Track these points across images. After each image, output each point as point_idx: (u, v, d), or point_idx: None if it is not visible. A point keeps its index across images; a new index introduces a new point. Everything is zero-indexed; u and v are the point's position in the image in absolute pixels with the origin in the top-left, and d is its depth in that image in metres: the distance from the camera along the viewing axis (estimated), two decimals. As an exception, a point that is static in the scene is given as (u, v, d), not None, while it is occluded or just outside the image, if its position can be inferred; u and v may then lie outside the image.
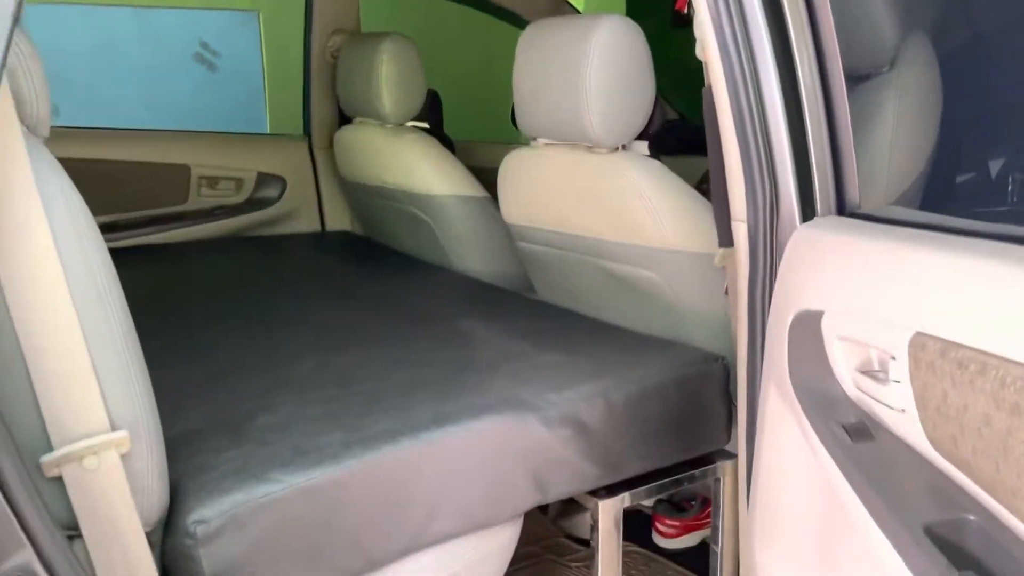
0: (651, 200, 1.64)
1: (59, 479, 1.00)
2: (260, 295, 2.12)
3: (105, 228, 2.56)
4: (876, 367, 1.02)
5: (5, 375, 0.96)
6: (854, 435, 1.03)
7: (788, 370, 1.22)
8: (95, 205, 2.58)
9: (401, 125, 2.55)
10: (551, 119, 1.77)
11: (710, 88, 1.48)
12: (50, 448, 0.99)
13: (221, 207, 2.85)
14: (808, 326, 1.16)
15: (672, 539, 2.12)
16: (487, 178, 2.83)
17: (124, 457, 1.03)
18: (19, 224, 0.94)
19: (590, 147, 1.74)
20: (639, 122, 1.71)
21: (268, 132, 4.07)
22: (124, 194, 2.66)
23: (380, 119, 2.53)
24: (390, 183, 2.55)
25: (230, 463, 1.22)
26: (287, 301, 2.05)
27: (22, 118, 1.09)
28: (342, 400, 1.42)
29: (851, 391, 1.07)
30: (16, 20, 0.86)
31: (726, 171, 1.47)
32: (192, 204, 2.79)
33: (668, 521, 2.10)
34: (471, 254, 2.47)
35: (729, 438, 1.65)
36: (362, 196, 2.78)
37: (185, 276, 2.35)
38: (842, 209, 1.31)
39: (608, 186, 1.69)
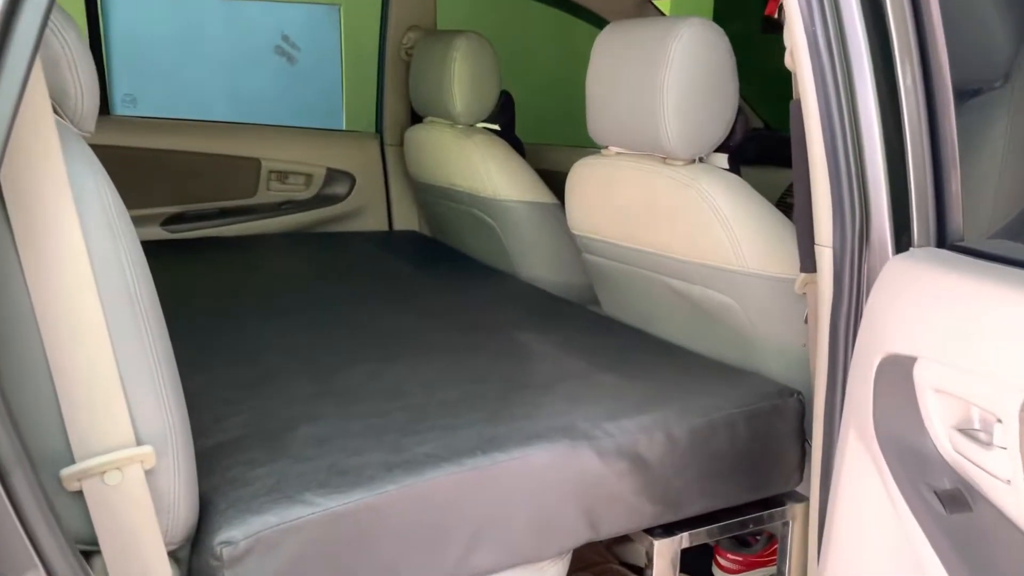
0: (729, 218, 1.53)
1: (80, 493, 0.95)
2: (319, 295, 2.08)
3: (172, 219, 2.63)
4: (978, 427, 0.89)
5: (28, 382, 0.91)
6: (948, 504, 0.90)
7: (872, 417, 1.10)
8: (164, 195, 2.62)
9: (471, 126, 2.48)
10: (624, 127, 1.67)
11: (799, 100, 1.36)
12: (72, 460, 0.94)
13: (289, 202, 2.83)
14: (898, 371, 1.04)
15: (733, 575, 2.00)
16: (558, 183, 2.74)
17: (149, 473, 0.98)
18: (49, 224, 0.90)
19: (665, 158, 1.64)
20: (719, 133, 1.59)
21: (344, 128, 4.07)
22: (194, 185, 2.66)
23: (450, 119, 2.47)
24: (457, 185, 2.48)
25: (264, 479, 1.16)
26: (346, 302, 2.00)
27: (64, 111, 1.05)
28: (387, 415, 1.35)
29: (946, 451, 0.95)
30: (49, 10, 0.81)
31: (812, 191, 1.35)
32: (261, 198, 2.78)
33: (731, 556, 1.98)
34: (537, 262, 2.39)
35: (801, 478, 1.53)
36: (430, 197, 2.72)
37: (246, 270, 2.33)
38: (942, 240, 1.18)
39: (682, 201, 1.58)
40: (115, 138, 2.54)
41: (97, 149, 2.59)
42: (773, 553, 1.99)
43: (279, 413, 1.35)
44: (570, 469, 1.28)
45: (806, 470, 1.52)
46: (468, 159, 2.41)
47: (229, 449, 1.25)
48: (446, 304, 2.03)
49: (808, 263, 1.45)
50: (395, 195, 2.97)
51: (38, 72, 0.87)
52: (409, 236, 2.92)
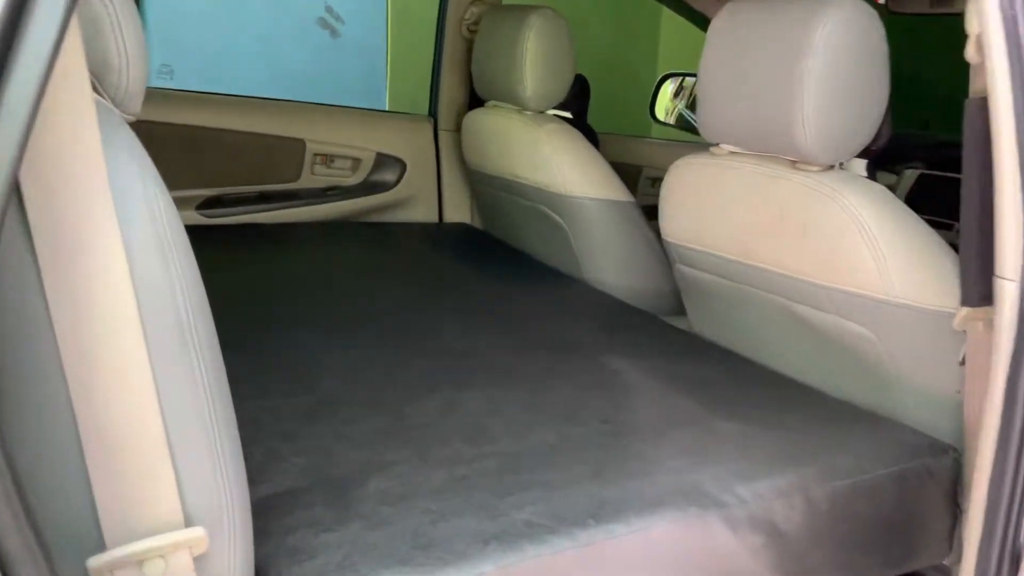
0: (876, 236, 1.28)
1: (110, 586, 0.74)
2: (374, 299, 1.85)
3: (208, 203, 2.39)
4: None
5: (48, 447, 0.69)
6: None
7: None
8: (201, 176, 2.38)
9: (541, 112, 2.24)
10: (746, 123, 1.42)
11: (981, 98, 1.13)
12: (103, 547, 0.72)
13: (335, 188, 2.60)
14: None
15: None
16: (629, 177, 2.50)
17: (198, 559, 0.76)
18: (83, 240, 0.67)
19: (795, 162, 1.39)
20: (866, 135, 1.35)
21: (386, 109, 3.83)
22: (233, 167, 2.44)
23: (518, 104, 2.22)
24: (522, 177, 2.24)
25: (332, 551, 0.94)
26: (404, 310, 1.77)
27: (105, 88, 0.82)
28: (472, 463, 1.13)
29: None
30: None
31: (996, 210, 1.11)
32: (304, 182, 2.55)
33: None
34: (607, 265, 2.16)
35: (950, 549, 1.29)
36: (488, 188, 2.49)
37: (290, 265, 2.11)
38: None
39: (819, 214, 1.34)
40: (148, 112, 2.30)
41: (131, 124, 2.36)
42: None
43: (345, 456, 1.13)
44: (698, 544, 1.06)
45: (955, 541, 1.29)
46: (537, 150, 2.17)
47: (288, 503, 1.03)
48: (515, 314, 1.80)
49: (974, 295, 1.21)
50: (447, 184, 2.73)
51: (74, 35, 0.65)
52: (461, 229, 2.68)
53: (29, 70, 0.57)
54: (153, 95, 2.68)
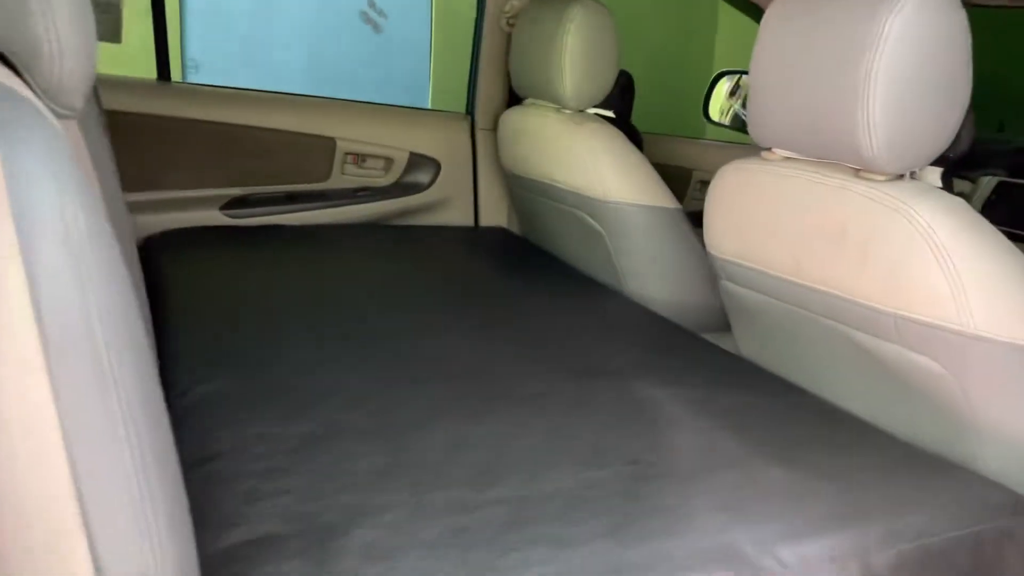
0: (952, 257, 1.11)
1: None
2: (397, 312, 1.72)
3: (233, 203, 2.29)
4: None
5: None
6: None
7: None
8: (226, 175, 2.28)
9: (582, 111, 2.09)
10: (803, 126, 1.26)
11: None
12: (-3, 626, 0.60)
13: (366, 189, 2.49)
14: None
15: None
16: (677, 180, 2.34)
17: (118, 642, 0.64)
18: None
19: (859, 170, 1.22)
20: (943, 140, 1.17)
21: (429, 107, 3.72)
22: (260, 165, 2.34)
23: (557, 102, 2.08)
24: (560, 181, 2.10)
25: (301, 618, 0.81)
26: (428, 326, 1.64)
27: (33, 77, 0.70)
28: (473, 512, 0.99)
29: None
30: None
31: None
32: (334, 183, 2.45)
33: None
34: (650, 277, 2.00)
35: (1033, 624, 1.11)
36: (525, 191, 2.35)
37: (313, 271, 2.00)
38: None
39: (883, 229, 1.17)
40: (175, 108, 2.23)
41: (152, 119, 2.26)
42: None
43: (334, 499, 1.00)
44: (731, 618, 0.90)
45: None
46: (576, 151, 2.02)
47: (260, 552, 0.90)
48: (545, 332, 1.66)
49: (1069, 329, 1.04)
50: (484, 186, 2.60)
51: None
52: (498, 234, 2.55)
53: None
54: (179, 90, 2.62)
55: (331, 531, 0.94)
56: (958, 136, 1.19)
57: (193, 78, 3.33)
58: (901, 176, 1.20)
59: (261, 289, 1.82)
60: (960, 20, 1.14)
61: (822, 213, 1.26)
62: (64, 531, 0.60)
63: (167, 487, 0.68)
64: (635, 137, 2.17)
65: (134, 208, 2.10)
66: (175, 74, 2.42)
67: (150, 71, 2.27)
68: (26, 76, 0.70)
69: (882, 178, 1.19)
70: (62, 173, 0.62)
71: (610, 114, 2.14)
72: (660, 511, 1.01)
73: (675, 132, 3.01)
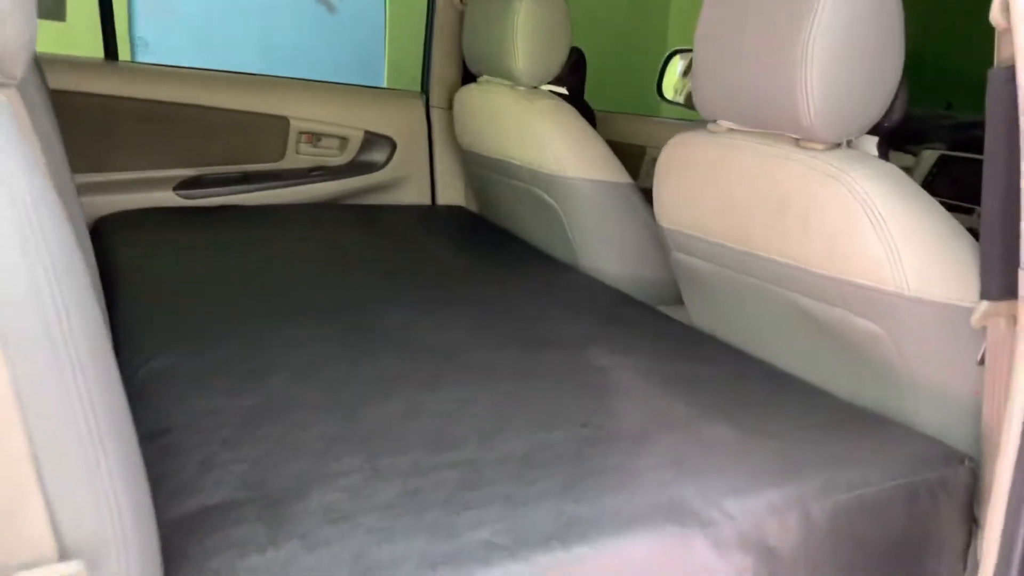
0: (887, 223, 1.15)
1: (-30, 631, 0.63)
2: (350, 288, 1.73)
3: (187, 183, 2.28)
4: None
5: None
6: None
7: None
8: (179, 155, 2.27)
9: (535, 88, 2.11)
10: (745, 97, 1.29)
11: (1007, 68, 1.00)
12: (-44, 585, 0.61)
13: (321, 168, 2.49)
14: None
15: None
16: (630, 158, 2.37)
17: (78, 599, 0.65)
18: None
19: (799, 139, 1.26)
20: (877, 109, 1.22)
21: (384, 86, 3.71)
22: (213, 146, 2.32)
23: (510, 79, 2.10)
24: (514, 157, 2.12)
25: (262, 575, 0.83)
26: (381, 301, 1.65)
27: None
28: (430, 475, 1.01)
29: None
30: None
31: (1022, 194, 0.98)
32: (289, 162, 2.44)
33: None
34: (604, 252, 2.03)
35: (965, 569, 1.17)
36: (480, 169, 2.36)
37: (267, 250, 2.00)
38: None
39: (822, 197, 1.21)
40: (124, 88, 2.20)
41: (103, 100, 2.23)
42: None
43: (288, 464, 1.02)
44: (675, 567, 0.94)
45: (970, 558, 1.17)
46: (530, 128, 2.04)
47: (217, 518, 0.92)
48: (499, 305, 1.68)
49: (995, 288, 1.09)
50: (440, 165, 2.61)
51: None
52: (454, 213, 2.56)
53: None
54: (131, 70, 2.59)
55: (288, 496, 0.96)
56: (892, 106, 1.23)
57: (143, 58, 3.28)
58: (839, 145, 1.24)
59: (214, 268, 1.81)
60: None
61: (765, 182, 1.30)
62: (22, 494, 0.62)
63: (123, 453, 0.70)
64: (588, 113, 2.20)
65: (86, 189, 2.08)
66: (123, 54, 2.39)
67: (97, 50, 2.23)
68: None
69: (821, 147, 1.23)
70: (13, 148, 0.63)
71: (563, 91, 2.17)
72: (609, 470, 1.04)
73: (630, 110, 3.04)
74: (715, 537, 0.96)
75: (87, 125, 2.12)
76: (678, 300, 1.82)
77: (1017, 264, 1.00)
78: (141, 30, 3.27)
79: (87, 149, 2.11)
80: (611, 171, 2.00)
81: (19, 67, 0.74)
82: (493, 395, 1.24)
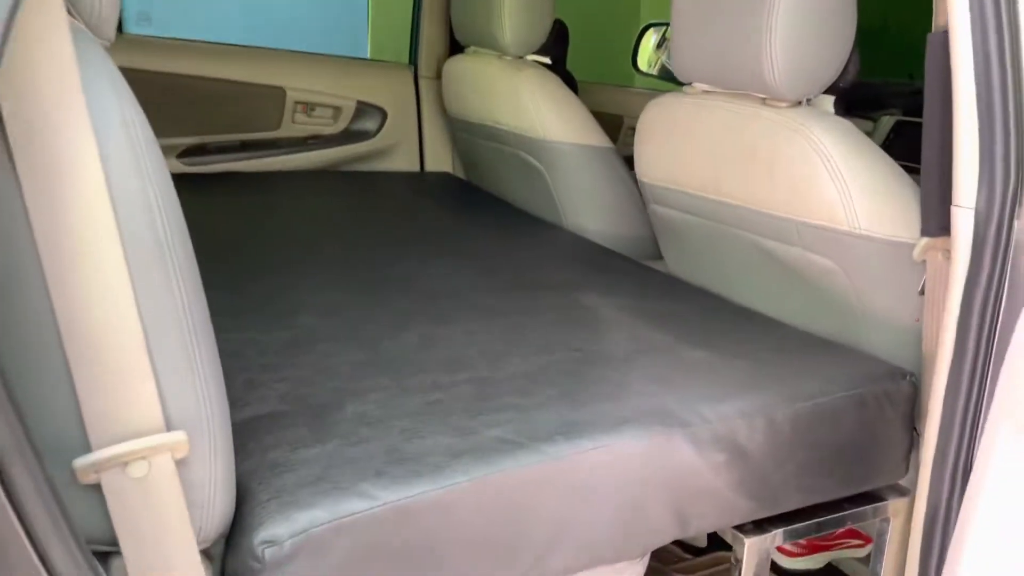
0: (841, 170, 1.32)
1: (97, 486, 0.77)
2: (354, 243, 1.88)
3: (192, 151, 2.40)
4: None
5: (34, 355, 0.73)
6: None
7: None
8: (182, 125, 2.40)
9: (520, 58, 2.25)
10: (717, 61, 1.45)
11: (943, 32, 1.16)
12: (88, 448, 0.76)
13: (316, 136, 2.61)
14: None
15: (796, 559, 1.84)
16: (610, 126, 2.51)
17: (180, 463, 0.80)
18: (59, 155, 0.70)
19: (765, 99, 1.42)
20: (833, 70, 1.38)
21: (368, 57, 3.81)
22: (214, 115, 2.44)
23: (497, 49, 2.24)
24: (502, 123, 2.26)
25: (311, 465, 0.98)
26: (385, 253, 1.80)
27: (80, 12, 0.84)
28: (449, 390, 1.17)
29: None
30: None
31: (954, 141, 1.14)
32: (285, 131, 2.56)
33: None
34: (587, 211, 2.18)
35: (907, 470, 1.35)
36: (468, 135, 2.50)
37: (271, 211, 2.13)
38: None
39: (785, 149, 1.37)
40: (128, 60, 2.29)
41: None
42: (838, 538, 1.83)
43: (323, 384, 1.17)
44: (663, 460, 1.10)
45: (912, 462, 1.35)
46: (517, 95, 2.18)
47: (267, 425, 1.07)
48: (495, 258, 1.84)
49: (933, 226, 1.26)
50: (429, 133, 2.74)
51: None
52: (443, 178, 2.70)
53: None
54: (132, 42, 2.70)
55: (326, 407, 1.11)
56: (846, 68, 1.39)
57: (146, 30, 3.37)
58: (799, 103, 1.40)
59: (226, 228, 1.94)
60: (845, -34, 1.34)
61: (735, 137, 1.46)
62: (138, 376, 0.76)
63: (209, 350, 0.85)
64: (571, 82, 2.34)
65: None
66: (123, 26, 2.50)
67: (102, 24, 2.33)
68: (75, 15, 0.84)
69: (784, 105, 1.40)
70: (120, 88, 0.77)
71: (547, 60, 2.31)
72: (602, 383, 1.20)
73: (607, 80, 3.18)
74: (693, 436, 1.12)
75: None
76: (656, 256, 1.98)
77: (950, 203, 1.17)
78: (142, 3, 3.36)
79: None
80: (593, 136, 2.15)
81: (111, 30, 0.87)
82: (497, 328, 1.39)
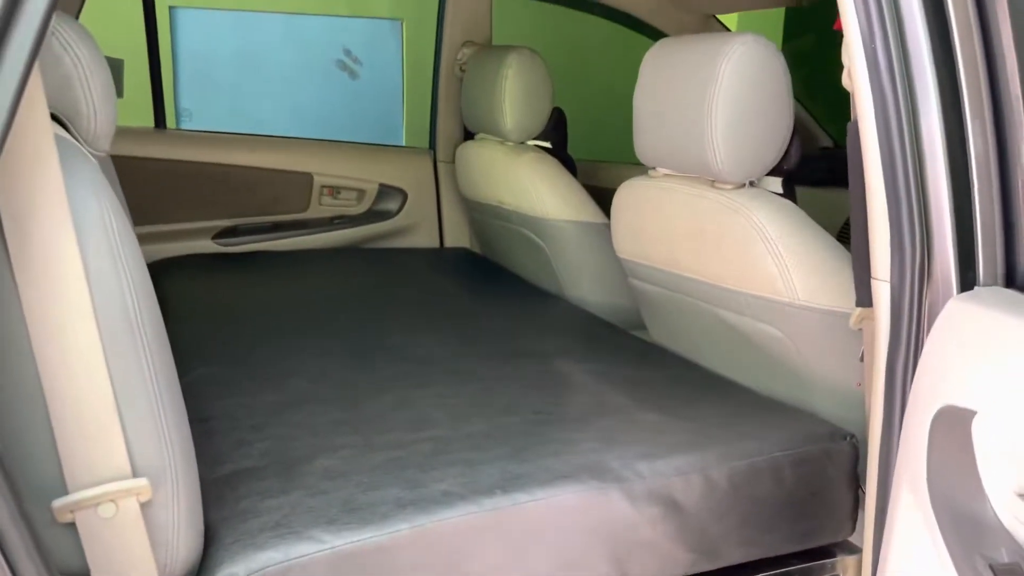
0: (778, 246, 1.43)
1: (73, 524, 0.92)
2: (362, 315, 2.04)
3: (224, 232, 2.64)
4: (1043, 497, 0.79)
5: (22, 407, 0.89)
6: (1005, 582, 0.80)
7: (926, 473, 1.00)
8: (217, 208, 2.63)
9: (522, 143, 2.43)
10: (672, 148, 1.59)
11: (856, 122, 1.27)
12: (65, 491, 0.91)
13: (341, 217, 2.82)
14: (955, 425, 0.94)
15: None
16: (606, 198, 2.66)
17: (145, 506, 0.95)
18: (45, 245, 0.87)
19: (713, 181, 1.55)
20: (771, 156, 1.50)
21: (403, 144, 4.06)
22: (246, 199, 2.67)
23: (501, 136, 2.42)
24: (506, 203, 2.43)
25: (273, 512, 1.11)
26: (387, 324, 1.96)
27: (78, 131, 1.03)
28: (409, 447, 1.30)
29: (1007, 519, 0.84)
30: (44, 26, 0.77)
31: (869, 219, 1.25)
32: (312, 212, 2.77)
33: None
34: (585, 283, 2.32)
35: (854, 529, 1.41)
36: (479, 215, 2.68)
37: (293, 287, 2.32)
38: (1012, 279, 1.07)
39: (729, 227, 1.49)
40: (169, 151, 2.56)
41: (151, 162, 2.61)
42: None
43: (301, 442, 1.31)
44: (598, 513, 1.21)
45: (860, 519, 1.41)
46: (517, 177, 2.35)
47: (244, 478, 1.21)
48: (489, 328, 1.97)
49: (864, 297, 1.35)
50: (447, 212, 2.93)
51: (36, 89, 0.85)
52: (459, 254, 2.87)
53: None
54: (175, 136, 2.96)
55: (298, 461, 1.25)
56: (787, 152, 1.51)
57: (186, 125, 3.68)
58: (743, 185, 1.53)
59: (246, 302, 2.13)
60: (778, 65, 1.47)
61: (688, 217, 1.58)
62: (108, 429, 0.91)
63: (174, 405, 1.00)
64: (570, 164, 2.50)
65: (138, 239, 2.42)
66: (170, 122, 2.76)
67: (148, 120, 2.60)
68: (70, 128, 1.02)
69: (729, 187, 1.52)
70: (100, 190, 0.94)
71: (547, 145, 2.48)
72: (551, 442, 1.32)
73: (628, 161, 3.33)
74: (628, 491, 1.22)
75: (140, 184, 2.47)
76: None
77: (870, 276, 1.27)
78: (184, 101, 3.68)
79: (140, 204, 2.45)
80: (589, 213, 2.30)
81: (107, 143, 1.06)
82: (470, 391, 1.52)
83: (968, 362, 0.95)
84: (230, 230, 2.66)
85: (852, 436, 1.40)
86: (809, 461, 1.36)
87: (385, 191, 2.84)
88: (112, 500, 0.92)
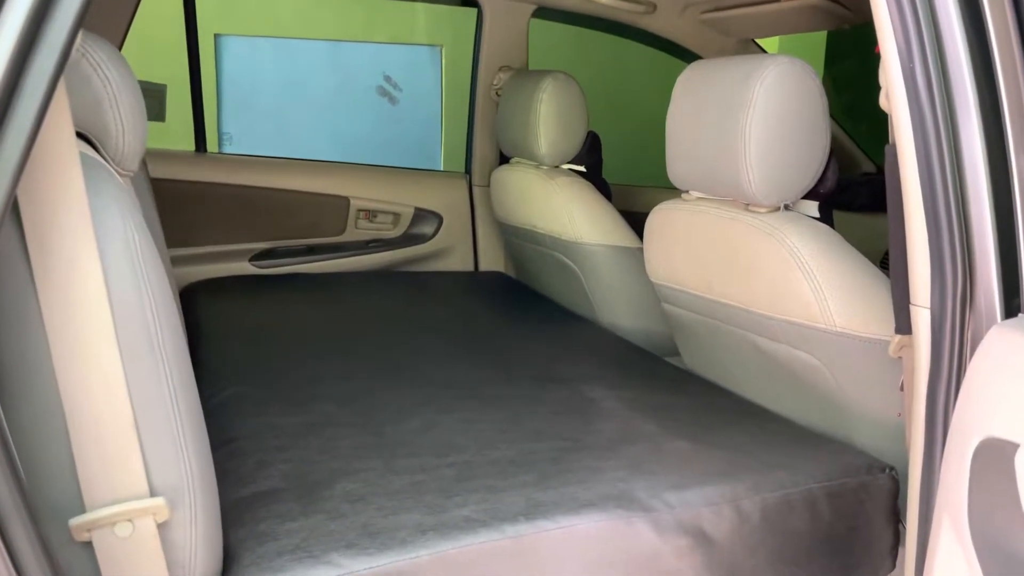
0: (814, 271, 1.39)
1: (90, 543, 0.92)
2: (393, 338, 2.03)
3: (261, 255, 2.66)
4: (1091, 537, 0.74)
5: (42, 427, 0.89)
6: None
7: (967, 509, 0.95)
8: (255, 231, 2.66)
9: (556, 167, 2.42)
10: (705, 171, 1.56)
11: (894, 145, 1.24)
12: (83, 509, 0.91)
13: (377, 240, 2.83)
14: (998, 458, 0.89)
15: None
16: (641, 223, 2.64)
17: (162, 526, 0.94)
18: (68, 266, 0.87)
19: (747, 205, 1.52)
20: (807, 179, 1.47)
21: (441, 168, 4.08)
22: (284, 222, 2.70)
23: (535, 160, 2.41)
24: (540, 227, 2.42)
25: (292, 536, 1.10)
26: (417, 347, 1.95)
27: (107, 150, 1.04)
28: (432, 472, 1.28)
29: (1052, 560, 0.80)
30: (68, 47, 0.78)
31: (908, 244, 1.21)
32: (349, 235, 2.79)
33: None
34: (618, 308, 2.29)
35: (894, 565, 1.36)
36: (514, 238, 2.67)
37: (328, 310, 2.32)
38: (1058, 306, 1.03)
39: (764, 252, 1.46)
40: (209, 174, 2.60)
41: (190, 185, 2.65)
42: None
43: (322, 465, 1.30)
44: (623, 543, 1.17)
45: (900, 556, 1.36)
46: (551, 201, 2.34)
47: (265, 500, 1.20)
48: (521, 352, 1.95)
49: (904, 323, 1.31)
50: (482, 236, 2.93)
51: (62, 107, 0.85)
52: (494, 277, 2.86)
53: (19, 132, 0.77)
54: (214, 159, 3.02)
55: (319, 485, 1.24)
56: (824, 175, 1.48)
57: (228, 150, 3.74)
58: (778, 208, 1.49)
59: (280, 324, 2.14)
60: (814, 85, 1.44)
61: (721, 240, 1.55)
62: (127, 449, 0.91)
63: (194, 427, 0.99)
64: (604, 188, 2.48)
65: (177, 261, 2.46)
66: (211, 146, 2.81)
67: (189, 144, 2.65)
68: (99, 148, 1.03)
69: (763, 210, 1.49)
70: (125, 208, 0.95)
71: (582, 168, 2.46)
72: (577, 470, 1.29)
73: (662, 183, 3.31)
74: (655, 521, 1.19)
75: (180, 206, 2.51)
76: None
77: (909, 303, 1.23)
78: (227, 126, 3.74)
79: (180, 226, 2.49)
80: (623, 237, 2.27)
81: (135, 165, 1.07)
82: (497, 416, 1.50)
83: (1012, 392, 0.91)
84: (267, 252, 2.68)
85: (892, 468, 1.35)
86: (846, 494, 1.31)
87: (421, 215, 2.84)
88: (129, 519, 0.91)
